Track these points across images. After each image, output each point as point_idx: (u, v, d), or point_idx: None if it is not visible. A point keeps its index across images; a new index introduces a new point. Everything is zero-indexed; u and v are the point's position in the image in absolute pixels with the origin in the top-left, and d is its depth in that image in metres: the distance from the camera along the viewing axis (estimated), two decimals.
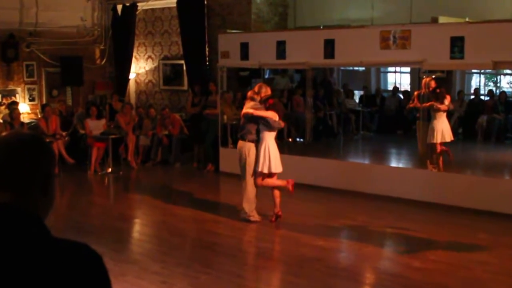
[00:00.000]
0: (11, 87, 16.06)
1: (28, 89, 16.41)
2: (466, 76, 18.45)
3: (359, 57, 11.54)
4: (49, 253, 1.82)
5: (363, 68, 18.82)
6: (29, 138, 1.98)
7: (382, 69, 20.14)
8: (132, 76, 17.99)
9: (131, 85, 18.25)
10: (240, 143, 9.50)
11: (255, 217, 9.47)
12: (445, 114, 11.43)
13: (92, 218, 10.21)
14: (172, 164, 14.67)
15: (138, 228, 9.84)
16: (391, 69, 20.27)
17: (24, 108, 16.01)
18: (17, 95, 16.10)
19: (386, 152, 12.74)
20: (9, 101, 15.58)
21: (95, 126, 14.12)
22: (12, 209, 1.86)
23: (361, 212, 10.14)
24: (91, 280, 1.85)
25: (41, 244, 1.83)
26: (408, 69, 18.98)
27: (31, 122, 15.41)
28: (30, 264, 1.78)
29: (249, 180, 9.34)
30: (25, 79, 16.37)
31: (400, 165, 12.27)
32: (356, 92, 19.21)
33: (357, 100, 18.99)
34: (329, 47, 11.89)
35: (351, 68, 19.25)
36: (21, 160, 1.92)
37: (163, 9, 17.36)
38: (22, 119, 14.72)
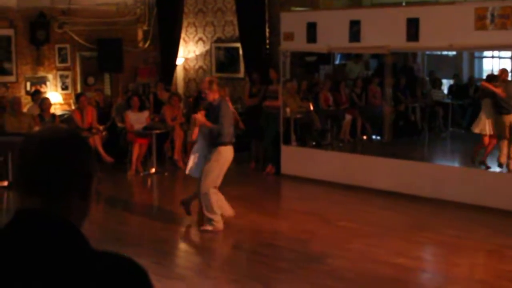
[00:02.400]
0: (41, 73, 16.40)
1: (61, 76, 16.73)
2: None
3: (449, 40, 11.38)
4: (89, 268, 1.86)
5: (454, 53, 18.55)
6: (66, 134, 2.02)
7: (476, 54, 19.81)
8: (180, 61, 18.16)
9: (179, 72, 18.43)
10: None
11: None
12: None
13: (132, 226, 10.36)
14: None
15: (186, 239, 9.92)
16: (487, 53, 19.91)
17: (56, 98, 16.33)
18: (47, 83, 16.43)
19: (479, 154, 12.53)
20: (33, 90, 15.87)
21: (137, 119, 14.29)
22: (47, 217, 1.90)
23: (450, 224, 10.00)
24: None
25: (80, 257, 1.87)
26: (508, 53, 18.62)
27: (64, 114, 15.71)
28: (68, 280, 1.82)
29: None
30: (57, 64, 16.69)
31: (497, 169, 12.06)
32: (444, 81, 18.94)
33: (445, 91, 18.73)
34: (413, 28, 11.76)
35: (439, 52, 18.99)
36: (58, 160, 1.95)
37: None
38: (53, 111, 15.02)
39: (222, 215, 9.69)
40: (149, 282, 1.95)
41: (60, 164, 1.95)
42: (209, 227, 9.60)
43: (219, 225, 9.58)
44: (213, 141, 9.56)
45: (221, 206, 9.69)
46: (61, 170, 1.95)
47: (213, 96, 9.57)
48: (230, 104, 10.31)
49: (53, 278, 1.82)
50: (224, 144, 9.49)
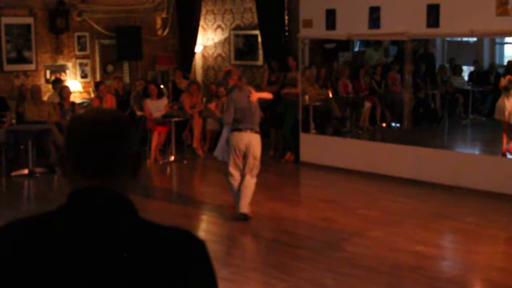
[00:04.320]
0: (60, 62, 16.47)
1: (80, 64, 16.80)
2: None
3: (469, 26, 11.31)
4: (151, 239, 1.98)
5: (474, 39, 18.42)
6: (118, 115, 2.10)
7: (497, 40, 19.66)
8: (198, 49, 18.17)
9: (197, 59, 18.44)
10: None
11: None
12: None
13: (150, 213, 10.39)
14: None
15: (205, 227, 9.97)
16: (508, 39, 19.75)
17: (76, 86, 16.40)
18: (67, 71, 16.50)
19: (500, 141, 12.47)
20: (53, 78, 15.94)
21: (156, 107, 14.32)
22: (110, 194, 1.99)
23: (470, 212, 9.97)
24: (197, 266, 2.00)
25: (143, 229, 2.00)
26: None
27: (83, 102, 15.80)
28: (134, 250, 1.93)
29: None
30: (77, 52, 16.75)
31: None
32: (465, 67, 18.82)
33: (466, 78, 18.61)
34: (433, 14, 11.69)
35: (459, 39, 18.88)
36: (114, 141, 2.03)
37: None
38: (73, 99, 15.10)
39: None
40: (207, 253, 2.04)
41: (118, 144, 2.03)
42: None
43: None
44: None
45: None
46: (119, 149, 2.03)
47: (229, 86, 9.74)
48: (252, 92, 10.18)
49: (121, 250, 1.92)
50: (231, 131, 9.68)
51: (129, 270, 1.91)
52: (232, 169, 9.66)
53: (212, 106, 10.11)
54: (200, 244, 2.04)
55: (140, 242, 1.95)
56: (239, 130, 9.60)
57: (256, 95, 9.86)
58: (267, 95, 10.51)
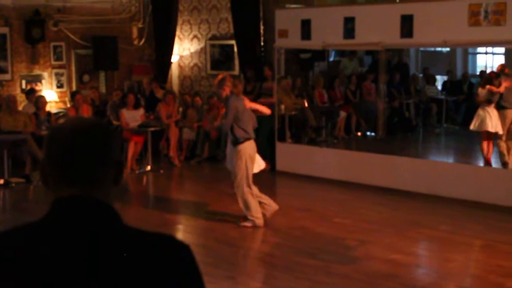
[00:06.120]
0: (36, 71, 16.38)
1: (56, 74, 16.72)
2: None
3: (443, 36, 11.40)
4: (141, 246, 1.99)
5: (448, 49, 18.59)
6: (98, 123, 2.10)
7: (470, 50, 19.85)
8: (174, 59, 18.16)
9: (174, 69, 18.43)
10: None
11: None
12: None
13: (127, 223, 10.35)
14: (221, 161, 14.74)
15: (181, 236, 9.93)
16: (481, 50, 19.96)
17: (51, 96, 16.32)
18: (43, 81, 16.42)
19: (474, 150, 12.58)
20: (28, 88, 15.84)
21: (132, 117, 14.28)
22: (93, 202, 1.99)
23: (444, 220, 10.02)
24: (184, 270, 2.01)
25: (128, 236, 2.01)
26: (502, 49, 18.65)
27: (59, 112, 15.70)
28: (119, 257, 1.93)
29: None
30: (53, 62, 16.67)
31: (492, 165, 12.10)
32: (438, 77, 18.99)
33: (439, 87, 18.77)
34: (407, 24, 11.77)
35: (432, 49, 19.05)
36: (96, 149, 2.02)
37: None
38: (48, 109, 15.00)
39: (264, 214, 9.72)
40: (193, 257, 2.04)
41: (99, 152, 2.02)
42: (248, 224, 9.63)
43: (259, 221, 9.61)
44: (231, 140, 9.63)
45: (261, 206, 9.73)
46: (100, 157, 2.02)
47: (225, 93, 9.59)
48: (247, 101, 10.15)
49: (108, 257, 1.92)
50: (241, 142, 9.51)
51: (116, 277, 1.91)
52: (250, 181, 9.58)
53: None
54: (185, 248, 2.04)
55: (126, 249, 1.95)
56: (250, 139, 9.60)
57: (249, 104, 9.89)
58: (262, 109, 10.47)
